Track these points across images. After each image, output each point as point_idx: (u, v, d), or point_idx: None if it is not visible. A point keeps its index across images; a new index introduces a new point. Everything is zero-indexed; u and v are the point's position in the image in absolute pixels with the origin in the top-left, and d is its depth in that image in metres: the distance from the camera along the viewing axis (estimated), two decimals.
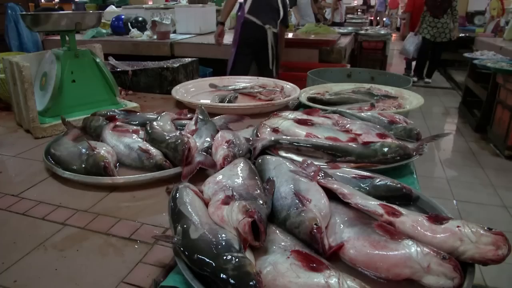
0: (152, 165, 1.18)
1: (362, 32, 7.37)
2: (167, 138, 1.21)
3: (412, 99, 1.83)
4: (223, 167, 1.06)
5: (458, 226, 0.76)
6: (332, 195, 0.91)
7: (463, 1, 9.77)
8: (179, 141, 1.15)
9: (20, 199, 1.12)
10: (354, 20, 9.33)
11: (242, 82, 2.25)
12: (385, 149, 1.16)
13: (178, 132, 1.25)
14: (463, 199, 3.59)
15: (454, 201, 3.54)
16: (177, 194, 0.89)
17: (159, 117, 1.44)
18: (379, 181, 0.99)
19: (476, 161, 4.41)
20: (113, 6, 6.71)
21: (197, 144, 1.21)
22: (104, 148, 1.22)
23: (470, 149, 4.77)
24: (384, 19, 13.48)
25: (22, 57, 1.72)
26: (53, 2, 12.68)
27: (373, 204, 0.86)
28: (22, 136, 1.63)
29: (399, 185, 0.98)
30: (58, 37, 1.73)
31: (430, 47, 7.69)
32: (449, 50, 8.07)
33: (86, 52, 1.72)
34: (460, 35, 7.65)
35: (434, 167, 4.31)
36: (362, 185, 1.00)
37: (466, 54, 5.95)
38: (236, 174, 0.96)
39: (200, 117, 1.40)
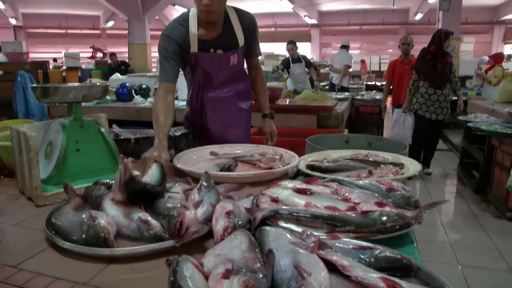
0: (151, 236, 1.18)
1: (359, 97, 7.58)
2: (164, 210, 1.22)
3: (409, 165, 1.86)
4: (223, 239, 1.06)
5: None
6: (332, 267, 0.91)
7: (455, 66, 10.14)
8: (173, 214, 1.16)
9: (19, 270, 1.11)
10: (350, 86, 9.64)
11: (242, 149, 2.29)
12: (384, 218, 1.16)
13: (180, 203, 1.25)
14: (467, 263, 3.51)
15: (459, 266, 3.46)
16: (177, 267, 0.89)
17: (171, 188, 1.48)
18: (379, 252, 0.99)
19: (478, 223, 4.37)
20: (118, 74, 7.02)
21: (198, 215, 1.22)
22: (104, 218, 1.23)
23: (471, 211, 4.73)
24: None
25: (29, 126, 1.78)
26: (61, 69, 13.24)
27: (373, 277, 0.86)
28: (23, 204, 1.64)
29: (398, 256, 0.98)
30: (64, 104, 1.79)
31: (427, 127, 5.78)
32: None
33: (92, 122, 1.78)
34: (453, 98, 6.99)
35: (436, 231, 4.25)
36: (362, 256, 0.99)
37: (460, 117, 6.05)
38: (236, 247, 0.97)
39: (204, 184, 1.42)
